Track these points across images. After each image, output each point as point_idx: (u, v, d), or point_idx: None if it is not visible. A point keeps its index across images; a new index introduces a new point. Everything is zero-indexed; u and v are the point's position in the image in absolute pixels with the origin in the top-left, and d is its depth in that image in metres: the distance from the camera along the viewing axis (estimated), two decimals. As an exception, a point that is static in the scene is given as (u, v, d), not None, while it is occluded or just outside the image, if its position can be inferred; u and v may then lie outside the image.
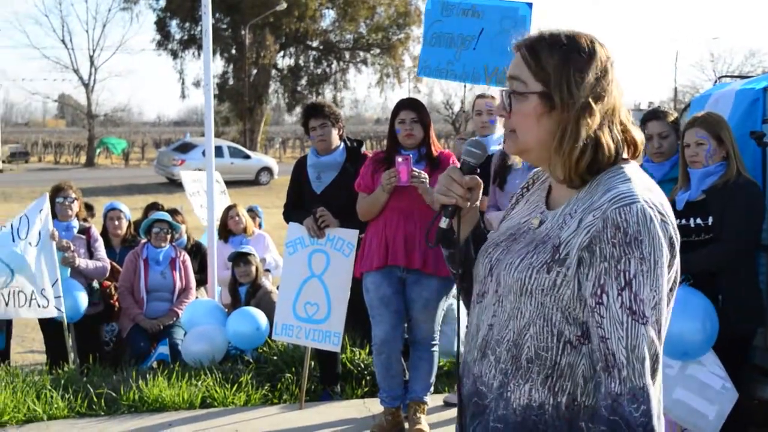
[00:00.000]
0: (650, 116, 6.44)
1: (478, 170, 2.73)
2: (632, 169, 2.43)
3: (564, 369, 2.38)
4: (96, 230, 9.23)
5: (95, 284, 8.99)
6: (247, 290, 9.12)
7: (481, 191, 2.74)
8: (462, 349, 2.76)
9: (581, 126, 2.39)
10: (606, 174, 2.42)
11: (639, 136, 2.50)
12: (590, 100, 2.40)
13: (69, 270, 8.59)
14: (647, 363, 2.23)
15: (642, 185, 2.35)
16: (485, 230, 2.86)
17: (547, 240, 2.45)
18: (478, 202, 2.77)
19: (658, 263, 2.26)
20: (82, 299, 8.55)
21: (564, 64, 2.42)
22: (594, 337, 2.31)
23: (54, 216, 8.68)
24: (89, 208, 11.06)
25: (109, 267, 9.06)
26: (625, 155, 2.47)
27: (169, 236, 9.23)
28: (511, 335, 2.47)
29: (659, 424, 2.24)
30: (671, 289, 2.37)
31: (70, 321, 8.56)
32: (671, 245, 2.30)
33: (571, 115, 2.40)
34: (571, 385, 2.37)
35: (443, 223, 2.71)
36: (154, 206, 11.14)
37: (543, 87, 2.44)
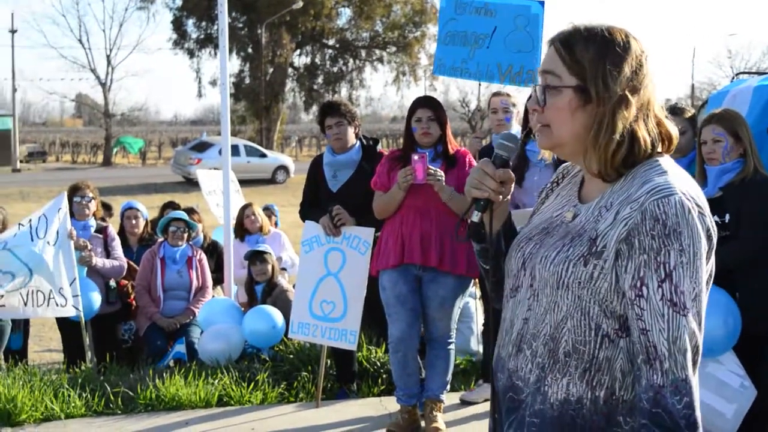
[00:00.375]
0: (668, 112, 6.41)
1: (511, 163, 2.71)
2: (668, 162, 2.43)
3: (602, 363, 2.37)
4: (113, 229, 9.25)
5: (112, 283, 9.01)
6: (263, 289, 9.12)
7: (513, 185, 2.72)
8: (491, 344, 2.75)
9: (618, 119, 2.38)
10: (642, 167, 2.41)
11: (674, 130, 2.50)
12: (627, 93, 2.39)
13: (86, 269, 8.60)
14: (689, 355, 2.23)
15: (678, 178, 2.35)
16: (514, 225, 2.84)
17: (583, 233, 2.44)
18: (509, 196, 2.75)
19: (698, 254, 2.25)
20: (95, 298, 8.56)
21: (600, 58, 2.41)
22: (634, 329, 2.30)
23: (71, 215, 8.70)
24: (107, 207, 11.09)
25: (125, 266, 9.08)
26: (659, 149, 2.46)
27: (185, 235, 9.23)
28: (548, 329, 2.46)
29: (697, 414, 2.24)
30: (707, 282, 2.36)
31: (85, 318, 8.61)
32: (708, 237, 2.30)
33: (608, 109, 2.39)
34: (609, 379, 2.36)
35: (475, 217, 2.68)
36: (170, 205, 11.15)
37: (578, 81, 2.43)
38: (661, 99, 2.46)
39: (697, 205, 2.28)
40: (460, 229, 2.76)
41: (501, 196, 2.69)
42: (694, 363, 2.25)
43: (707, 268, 2.32)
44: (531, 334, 2.51)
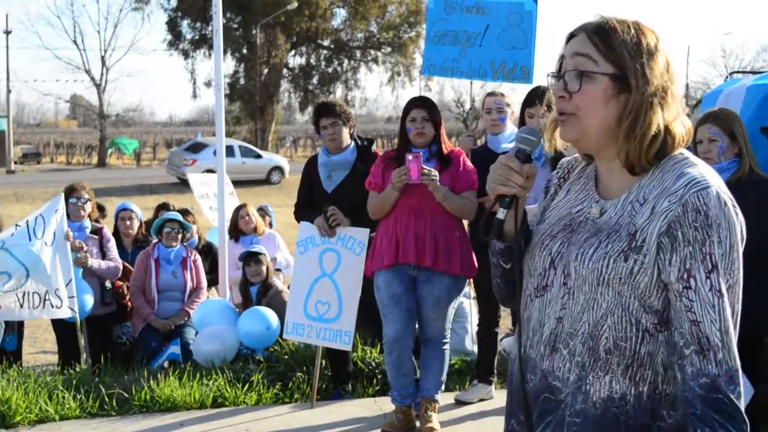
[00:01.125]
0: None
1: (533, 158, 2.66)
2: (692, 156, 2.44)
3: (644, 358, 2.38)
4: (108, 231, 9.26)
5: (108, 284, 9.01)
6: (258, 290, 9.12)
7: (535, 180, 2.65)
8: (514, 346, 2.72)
9: (655, 111, 2.39)
10: (671, 160, 2.42)
11: (689, 124, 2.49)
12: (665, 85, 2.41)
13: (81, 270, 8.59)
14: (736, 344, 2.28)
15: (708, 171, 2.38)
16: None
17: (620, 228, 2.42)
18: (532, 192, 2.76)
19: (734, 247, 2.31)
20: (88, 300, 8.56)
21: (637, 48, 2.41)
22: (683, 321, 2.31)
23: (67, 216, 8.71)
24: (101, 208, 11.09)
25: (121, 267, 9.07)
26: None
27: (180, 236, 9.23)
28: (586, 327, 2.44)
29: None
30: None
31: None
32: (741, 229, 2.35)
33: (645, 100, 2.38)
34: (651, 374, 2.37)
35: (501, 214, 2.62)
36: (164, 206, 11.17)
37: (614, 69, 2.41)
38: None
39: (730, 199, 2.32)
40: (485, 227, 2.68)
41: (526, 192, 2.64)
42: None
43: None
44: (567, 333, 2.49)
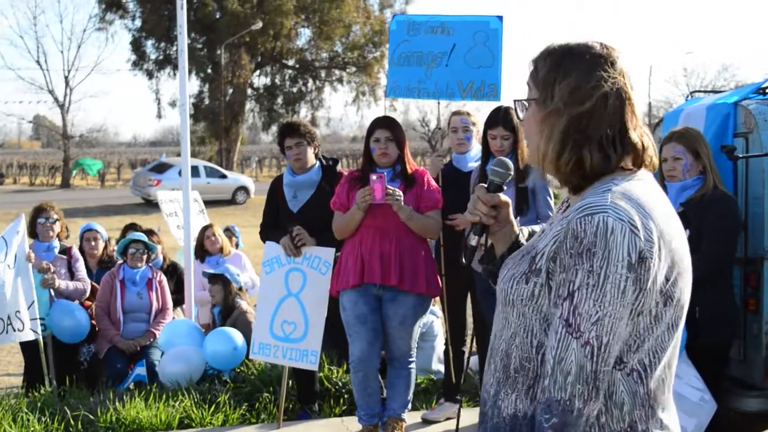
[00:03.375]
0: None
1: (504, 188, 2.79)
2: (627, 181, 2.40)
3: None
4: (77, 250, 9.21)
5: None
6: (219, 311, 9.10)
7: (509, 209, 2.78)
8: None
9: (563, 130, 2.42)
10: (597, 183, 2.42)
11: (646, 142, 2.47)
12: (575, 104, 2.41)
13: (50, 291, 8.55)
14: (571, 378, 2.22)
15: (623, 196, 2.32)
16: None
17: (529, 251, 2.47)
18: (512, 219, 2.80)
19: (609, 278, 2.22)
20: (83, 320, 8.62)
21: (552, 70, 2.46)
22: None
23: (35, 236, 8.69)
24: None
25: (89, 287, 9.04)
26: (628, 163, 2.45)
27: (145, 256, 9.19)
28: (504, 345, 2.49)
29: None
30: (666, 304, 2.34)
31: (72, 341, 8.70)
32: (641, 259, 2.24)
33: (555, 119, 2.43)
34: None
35: (472, 240, 2.76)
36: (132, 227, 11.12)
37: (538, 93, 2.48)
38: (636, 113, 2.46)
39: (632, 225, 2.25)
40: (465, 253, 2.80)
41: (495, 220, 2.75)
42: (590, 389, 2.23)
43: (643, 290, 2.27)
44: (493, 349, 2.55)
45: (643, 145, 2.46)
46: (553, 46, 2.53)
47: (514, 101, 2.57)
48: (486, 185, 2.77)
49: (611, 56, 2.47)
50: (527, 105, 2.53)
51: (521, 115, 2.57)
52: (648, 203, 2.34)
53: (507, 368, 2.46)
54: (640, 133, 2.46)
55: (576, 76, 2.42)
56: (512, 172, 2.84)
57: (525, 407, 2.41)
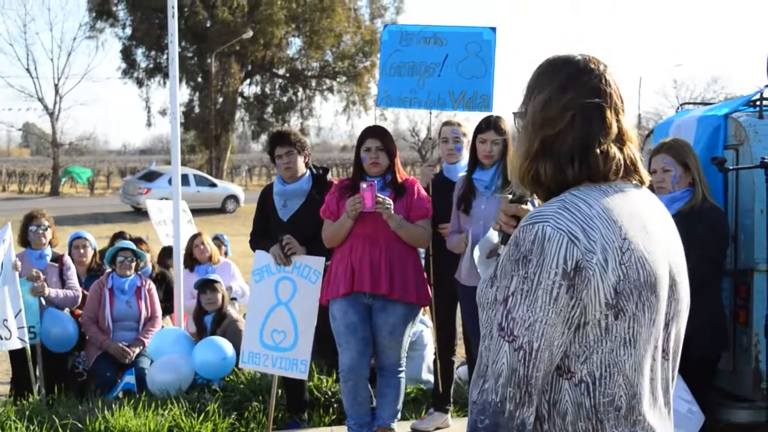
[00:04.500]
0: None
1: (528, 200, 2.94)
2: (590, 190, 2.41)
3: None
4: (69, 259, 9.19)
5: (66, 312, 8.94)
6: (213, 318, 9.08)
7: None
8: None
9: (525, 143, 2.47)
10: (561, 194, 2.43)
11: (601, 156, 2.44)
12: (539, 120, 2.44)
13: (41, 300, 8.53)
14: (502, 381, 2.25)
15: (570, 207, 2.33)
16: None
17: (500, 257, 2.49)
18: None
19: (542, 284, 2.25)
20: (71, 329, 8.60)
21: (531, 85, 2.51)
22: None
23: (27, 244, 8.67)
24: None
25: (80, 295, 9.02)
26: (613, 176, 2.44)
27: (134, 265, 9.16)
28: (481, 345, 2.47)
29: None
30: (618, 317, 2.31)
31: (60, 350, 8.68)
32: (577, 269, 2.25)
33: (523, 132, 2.48)
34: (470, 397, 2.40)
35: (500, 249, 2.96)
36: (120, 235, 11.09)
37: (521, 105, 2.54)
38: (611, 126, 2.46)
39: (571, 236, 2.26)
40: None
41: (514, 229, 2.74)
42: (522, 393, 2.25)
43: (578, 300, 2.27)
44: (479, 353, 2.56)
45: (609, 157, 2.44)
46: (546, 59, 2.56)
47: (514, 114, 2.60)
48: (510, 196, 2.91)
49: (593, 69, 2.48)
50: (516, 116, 2.60)
51: (517, 126, 2.62)
52: (601, 215, 2.34)
53: (478, 371, 2.44)
54: (610, 146, 2.45)
55: (548, 91, 2.46)
56: None
57: None
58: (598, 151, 2.43)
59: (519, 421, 2.25)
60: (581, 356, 2.33)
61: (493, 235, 6.68)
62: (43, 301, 8.57)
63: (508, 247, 2.36)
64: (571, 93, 2.44)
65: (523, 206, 2.87)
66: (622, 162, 2.45)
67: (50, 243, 9.03)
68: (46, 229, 8.90)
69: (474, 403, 2.29)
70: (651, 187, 5.91)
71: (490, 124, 6.74)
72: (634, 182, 2.51)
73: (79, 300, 9.02)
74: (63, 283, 8.89)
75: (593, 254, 2.27)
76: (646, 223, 2.41)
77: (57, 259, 8.96)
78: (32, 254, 8.64)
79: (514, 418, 2.24)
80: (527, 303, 2.25)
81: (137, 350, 8.90)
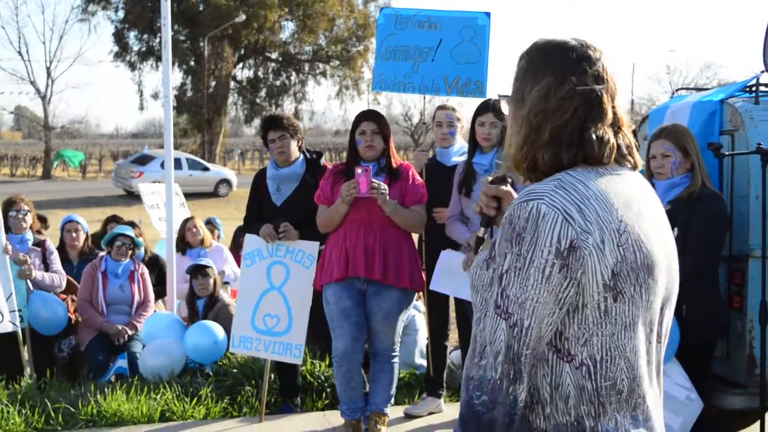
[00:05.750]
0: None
1: (509, 180, 2.87)
2: (586, 171, 2.42)
3: None
4: (51, 243, 9.16)
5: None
6: (204, 303, 9.06)
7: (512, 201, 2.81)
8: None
9: (523, 128, 2.46)
10: (551, 177, 2.43)
11: (597, 140, 2.44)
12: (536, 102, 2.43)
13: (27, 283, 8.49)
14: (501, 358, 2.27)
15: (566, 186, 2.34)
16: None
17: (494, 240, 2.50)
18: None
19: (534, 262, 2.26)
20: (58, 313, 8.61)
21: (524, 69, 2.50)
22: None
23: (8, 230, 8.62)
24: (43, 220, 11.01)
25: (65, 279, 8.98)
26: (607, 159, 2.45)
27: (130, 251, 9.14)
28: (474, 329, 2.50)
29: (503, 421, 2.28)
30: (617, 300, 2.32)
31: (49, 333, 8.66)
32: (572, 248, 2.26)
33: (519, 117, 2.47)
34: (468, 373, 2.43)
35: (480, 231, 2.89)
36: (114, 219, 11.08)
37: (512, 90, 2.54)
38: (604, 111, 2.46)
39: (566, 214, 2.27)
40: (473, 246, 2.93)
41: (497, 211, 2.86)
42: (514, 369, 2.27)
43: (571, 280, 2.27)
44: (471, 336, 2.58)
45: (604, 142, 2.45)
46: (536, 43, 2.55)
47: (499, 96, 2.64)
48: (491, 177, 2.85)
49: (591, 56, 2.48)
50: (506, 100, 2.62)
51: (506, 110, 2.63)
52: (597, 195, 2.35)
53: (474, 351, 2.47)
54: (606, 130, 2.46)
55: (546, 79, 2.45)
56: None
57: None
58: (594, 135, 2.44)
59: (512, 397, 2.28)
60: (581, 339, 2.33)
61: (454, 257, 6.72)
62: (30, 285, 8.53)
63: (502, 227, 2.35)
64: (570, 81, 2.44)
65: (503, 187, 2.83)
66: (616, 146, 2.47)
67: (31, 227, 9.00)
68: (26, 214, 8.87)
69: (470, 378, 2.32)
70: (650, 174, 5.91)
71: (489, 107, 6.74)
72: (629, 166, 2.51)
73: (64, 285, 8.98)
74: (46, 267, 8.85)
75: (589, 234, 2.28)
76: (641, 206, 2.42)
77: (39, 243, 8.93)
78: (14, 239, 8.59)
79: (509, 395, 2.27)
80: (519, 281, 2.26)
81: (131, 332, 8.88)
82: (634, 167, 2.53)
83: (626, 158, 2.50)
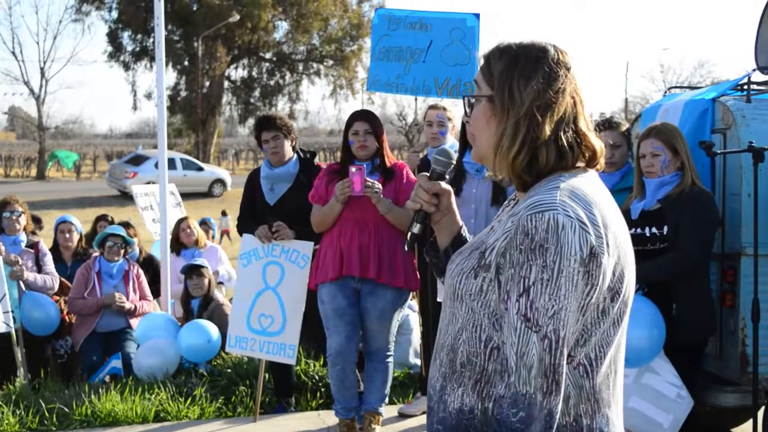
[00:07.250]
0: (603, 126, 6.48)
1: (447, 177, 2.85)
2: (574, 177, 2.43)
3: (491, 375, 2.41)
4: (44, 244, 9.16)
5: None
6: (199, 303, 9.06)
7: (451, 198, 2.84)
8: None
9: (520, 129, 2.42)
10: (544, 181, 2.43)
11: (597, 144, 2.50)
12: (533, 104, 2.41)
13: (19, 284, 8.48)
14: (534, 372, 2.23)
15: (570, 194, 2.34)
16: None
17: (479, 246, 2.49)
18: (455, 208, 2.87)
19: (563, 272, 2.24)
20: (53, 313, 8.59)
21: (508, 68, 2.46)
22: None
23: (1, 231, 8.62)
24: (37, 220, 11.02)
25: (58, 281, 8.97)
26: (580, 163, 2.47)
27: (122, 251, 9.14)
28: (449, 339, 2.51)
29: None
30: (613, 299, 2.36)
31: (42, 334, 8.68)
32: (592, 255, 2.27)
33: (512, 118, 2.43)
34: (496, 391, 2.38)
35: (415, 228, 2.83)
36: (103, 218, 11.07)
37: (491, 91, 2.48)
38: (591, 113, 2.48)
39: (580, 222, 2.27)
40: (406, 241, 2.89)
41: (436, 209, 2.81)
42: (551, 382, 2.25)
43: (593, 286, 2.29)
44: (440, 344, 2.58)
45: (593, 144, 2.49)
46: (508, 44, 2.54)
47: (464, 97, 2.59)
48: (428, 174, 2.83)
49: (566, 60, 2.50)
50: (473, 102, 2.56)
51: (468, 112, 2.58)
52: (594, 200, 2.37)
53: (453, 363, 2.47)
54: (596, 135, 2.52)
55: (538, 78, 2.44)
56: (454, 162, 2.95)
57: (471, 401, 2.43)
58: (592, 137, 2.49)
59: (547, 410, 2.25)
60: (581, 340, 2.35)
61: None
62: (22, 286, 8.53)
63: (514, 238, 2.31)
64: (560, 80, 2.45)
65: (443, 184, 2.83)
66: (589, 149, 2.49)
67: (25, 229, 9.00)
68: (20, 215, 8.87)
69: (502, 397, 2.27)
70: (640, 172, 5.92)
71: None
72: (596, 169, 2.54)
73: (57, 286, 8.97)
74: (39, 268, 8.85)
75: (602, 240, 2.30)
76: (614, 206, 2.46)
77: (32, 245, 8.92)
78: (6, 240, 8.60)
79: (544, 409, 2.24)
80: (549, 292, 2.24)
81: (128, 305, 8.92)
82: (601, 169, 2.57)
83: (595, 161, 2.54)
